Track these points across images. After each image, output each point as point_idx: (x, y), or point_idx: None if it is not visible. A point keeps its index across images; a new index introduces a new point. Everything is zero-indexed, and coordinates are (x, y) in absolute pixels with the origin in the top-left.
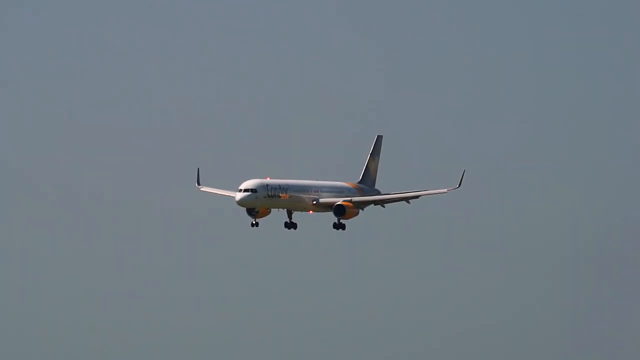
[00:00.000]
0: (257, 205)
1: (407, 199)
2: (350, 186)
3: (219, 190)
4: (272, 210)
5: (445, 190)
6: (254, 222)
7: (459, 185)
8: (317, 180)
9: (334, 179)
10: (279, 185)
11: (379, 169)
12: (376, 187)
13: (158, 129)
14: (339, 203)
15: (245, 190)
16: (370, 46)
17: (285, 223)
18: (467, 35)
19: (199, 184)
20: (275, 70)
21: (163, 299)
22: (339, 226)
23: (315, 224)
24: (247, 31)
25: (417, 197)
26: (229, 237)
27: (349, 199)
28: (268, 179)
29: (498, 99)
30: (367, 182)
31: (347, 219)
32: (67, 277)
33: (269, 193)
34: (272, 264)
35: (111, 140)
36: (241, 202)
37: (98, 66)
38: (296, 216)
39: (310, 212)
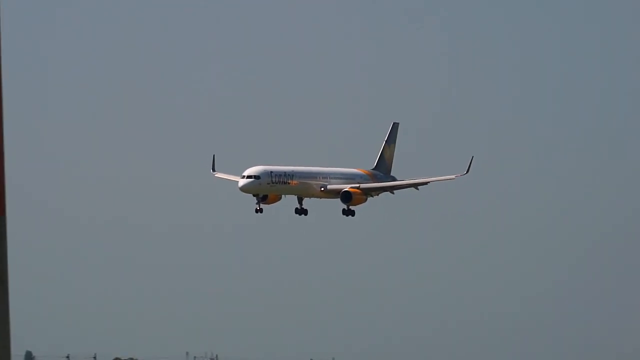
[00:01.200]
0: (260, 192)
1: (415, 185)
2: (363, 173)
3: (233, 176)
4: (283, 196)
5: (453, 176)
6: (258, 209)
7: (467, 172)
8: (327, 166)
9: (350, 166)
10: (284, 172)
11: (395, 156)
12: (392, 173)
13: (177, 115)
14: (345, 190)
15: (249, 177)
16: (389, 35)
17: (296, 209)
18: (478, 28)
19: (214, 170)
20: (295, 57)
21: (170, 288)
22: (348, 212)
23: (325, 210)
24: (262, 19)
25: (425, 183)
26: (239, 223)
27: (357, 185)
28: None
29: (511, 88)
30: (382, 168)
31: (355, 205)
32: (95, 246)
33: (273, 180)
34: (282, 249)
35: (134, 130)
36: (244, 189)
37: (117, 59)
38: (306, 202)
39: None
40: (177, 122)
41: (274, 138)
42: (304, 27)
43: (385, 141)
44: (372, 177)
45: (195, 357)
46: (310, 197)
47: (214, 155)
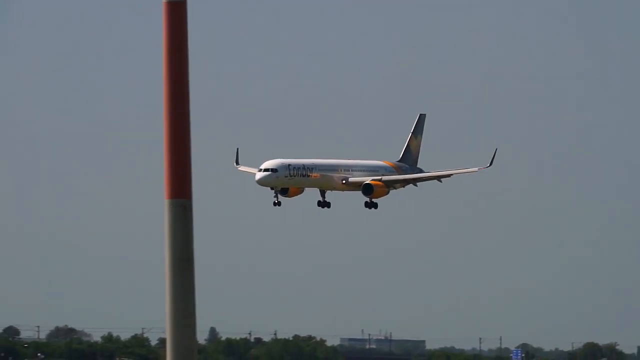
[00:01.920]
0: (277, 185)
1: (438, 178)
2: (387, 165)
3: (255, 169)
4: (306, 189)
5: (476, 169)
6: (276, 202)
7: (490, 164)
8: (351, 159)
9: (377, 158)
10: (303, 164)
11: (422, 148)
12: (419, 165)
13: (202, 109)
14: (366, 182)
15: (266, 170)
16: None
17: (319, 202)
18: (506, 22)
19: (237, 163)
20: (322, 50)
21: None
22: (371, 205)
23: (348, 203)
24: (284, 13)
25: (448, 176)
26: (261, 216)
27: (379, 177)
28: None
29: (538, 82)
30: (408, 160)
31: (376, 197)
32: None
33: (291, 173)
34: (306, 242)
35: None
36: (261, 182)
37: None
38: (329, 195)
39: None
40: (203, 117)
41: (303, 131)
42: (327, 19)
43: (412, 133)
44: (397, 169)
45: (369, 334)
46: (331, 190)
47: (237, 149)
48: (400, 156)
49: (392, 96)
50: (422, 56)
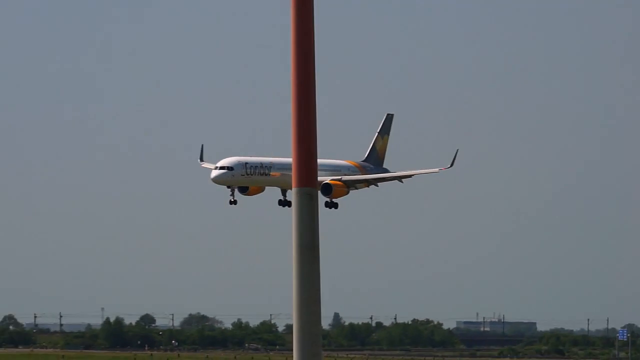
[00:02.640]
0: (233, 184)
1: (399, 178)
2: (351, 164)
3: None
4: (266, 188)
5: (437, 169)
6: (232, 200)
7: (451, 165)
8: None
9: (344, 157)
10: (261, 163)
11: (390, 148)
12: (386, 165)
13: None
14: (325, 182)
15: (221, 168)
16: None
17: (279, 201)
18: (473, 25)
19: (201, 160)
20: (287, 50)
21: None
22: (331, 205)
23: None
24: (258, 12)
25: (410, 176)
26: (220, 214)
27: (339, 177)
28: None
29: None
30: (373, 160)
31: (335, 197)
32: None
33: (248, 171)
34: (263, 240)
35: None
36: (216, 180)
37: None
38: (290, 194)
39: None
40: (175, 113)
41: (267, 127)
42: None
43: (378, 132)
44: (361, 169)
45: (484, 317)
46: (290, 189)
47: (202, 145)
48: (366, 156)
49: (359, 95)
50: (392, 55)
